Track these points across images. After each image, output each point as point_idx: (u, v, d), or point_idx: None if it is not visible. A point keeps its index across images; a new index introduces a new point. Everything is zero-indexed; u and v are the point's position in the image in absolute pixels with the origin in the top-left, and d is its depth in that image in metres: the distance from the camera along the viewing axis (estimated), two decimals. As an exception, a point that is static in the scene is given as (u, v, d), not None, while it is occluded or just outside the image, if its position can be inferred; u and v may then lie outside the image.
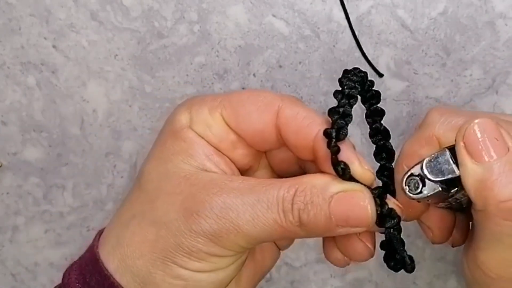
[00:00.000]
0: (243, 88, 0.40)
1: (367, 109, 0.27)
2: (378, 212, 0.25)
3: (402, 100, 0.41)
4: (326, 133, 0.24)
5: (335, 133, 0.24)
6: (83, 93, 0.40)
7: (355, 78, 0.26)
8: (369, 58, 0.40)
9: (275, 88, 0.40)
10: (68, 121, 0.41)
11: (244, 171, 0.29)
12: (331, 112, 0.25)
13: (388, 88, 0.41)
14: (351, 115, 0.25)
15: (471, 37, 0.40)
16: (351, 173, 0.25)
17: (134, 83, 0.40)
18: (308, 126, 0.25)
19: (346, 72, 0.26)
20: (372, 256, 0.27)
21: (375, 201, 0.25)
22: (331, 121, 0.25)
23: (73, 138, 0.41)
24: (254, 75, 0.40)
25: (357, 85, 0.26)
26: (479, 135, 0.24)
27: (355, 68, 0.27)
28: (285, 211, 0.24)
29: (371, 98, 0.27)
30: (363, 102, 0.28)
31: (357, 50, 0.40)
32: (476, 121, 0.24)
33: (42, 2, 0.39)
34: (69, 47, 0.40)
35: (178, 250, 0.24)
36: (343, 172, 0.24)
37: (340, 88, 0.26)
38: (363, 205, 0.24)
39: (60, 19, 0.39)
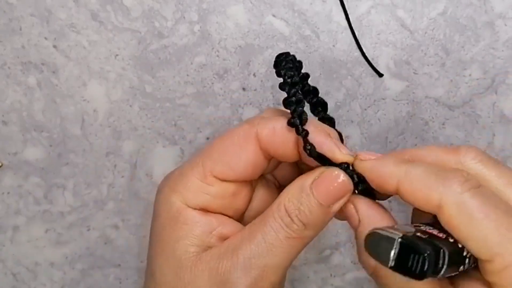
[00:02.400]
0: (243, 89, 0.40)
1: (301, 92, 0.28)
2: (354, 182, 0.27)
3: (402, 100, 0.41)
4: (290, 123, 0.26)
5: (298, 120, 0.26)
6: (84, 93, 0.40)
7: (290, 64, 0.27)
8: (369, 58, 0.40)
9: (275, 88, 0.40)
10: (69, 121, 0.41)
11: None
12: (287, 104, 0.26)
13: (388, 88, 0.41)
14: (303, 99, 0.27)
15: (471, 37, 0.40)
16: (335, 160, 0.26)
17: (134, 83, 0.40)
18: (288, 134, 0.27)
19: (277, 61, 0.27)
20: None
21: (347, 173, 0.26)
22: (290, 112, 0.26)
23: (73, 138, 0.41)
24: (254, 75, 0.40)
25: (294, 71, 0.27)
26: None
27: (281, 54, 0.28)
28: (288, 225, 0.25)
29: (303, 79, 0.28)
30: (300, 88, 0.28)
31: (357, 50, 0.40)
32: None
33: (43, 2, 0.39)
34: (69, 47, 0.40)
35: None
36: (310, 152, 0.26)
37: (282, 79, 0.27)
38: (336, 174, 0.26)
39: (60, 19, 0.39)
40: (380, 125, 0.41)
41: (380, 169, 0.25)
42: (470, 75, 0.41)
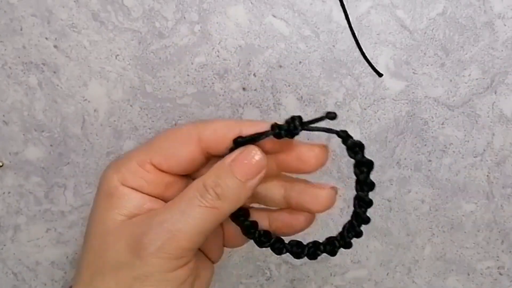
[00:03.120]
0: (243, 88, 0.41)
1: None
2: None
3: (401, 100, 0.41)
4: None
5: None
6: (84, 93, 0.40)
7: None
8: (369, 58, 0.40)
9: (275, 87, 0.41)
10: (70, 121, 0.41)
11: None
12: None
13: (388, 87, 0.41)
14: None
15: (470, 37, 0.40)
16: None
17: (135, 83, 0.40)
18: (228, 134, 0.29)
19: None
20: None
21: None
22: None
23: (74, 137, 0.41)
24: (254, 75, 0.40)
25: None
26: None
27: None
28: (202, 194, 0.28)
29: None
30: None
31: (357, 50, 0.40)
32: None
33: (44, 3, 0.39)
34: (70, 47, 0.40)
35: (141, 281, 0.27)
36: (238, 142, 0.29)
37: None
38: (254, 152, 0.28)
39: (61, 19, 0.40)
40: (380, 124, 0.41)
41: None
42: (469, 75, 0.41)
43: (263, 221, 0.32)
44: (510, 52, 0.40)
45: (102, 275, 0.28)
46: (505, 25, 0.40)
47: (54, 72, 0.40)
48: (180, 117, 0.41)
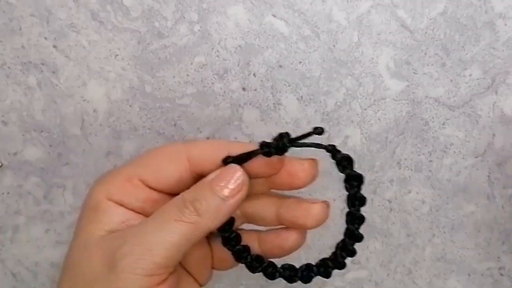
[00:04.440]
0: (243, 89, 0.40)
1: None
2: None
3: (402, 100, 0.41)
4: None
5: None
6: (84, 93, 0.40)
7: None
8: (369, 57, 0.40)
9: (275, 87, 0.40)
10: (69, 121, 0.41)
11: None
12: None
13: (388, 88, 0.41)
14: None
15: (471, 37, 0.40)
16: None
17: (134, 83, 0.40)
18: (217, 154, 0.29)
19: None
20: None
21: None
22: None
23: (73, 138, 0.41)
24: (254, 75, 0.40)
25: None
26: None
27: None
28: (180, 209, 0.27)
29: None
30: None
31: (357, 50, 0.40)
32: None
33: (43, 2, 0.39)
34: (69, 47, 0.40)
35: None
36: (226, 162, 0.29)
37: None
38: (235, 171, 0.28)
39: (60, 19, 0.39)
40: (380, 125, 0.41)
41: None
42: (470, 75, 0.41)
43: (253, 243, 0.31)
44: (511, 52, 0.40)
45: None
46: (506, 25, 0.40)
47: (53, 72, 0.40)
48: (179, 117, 0.41)
